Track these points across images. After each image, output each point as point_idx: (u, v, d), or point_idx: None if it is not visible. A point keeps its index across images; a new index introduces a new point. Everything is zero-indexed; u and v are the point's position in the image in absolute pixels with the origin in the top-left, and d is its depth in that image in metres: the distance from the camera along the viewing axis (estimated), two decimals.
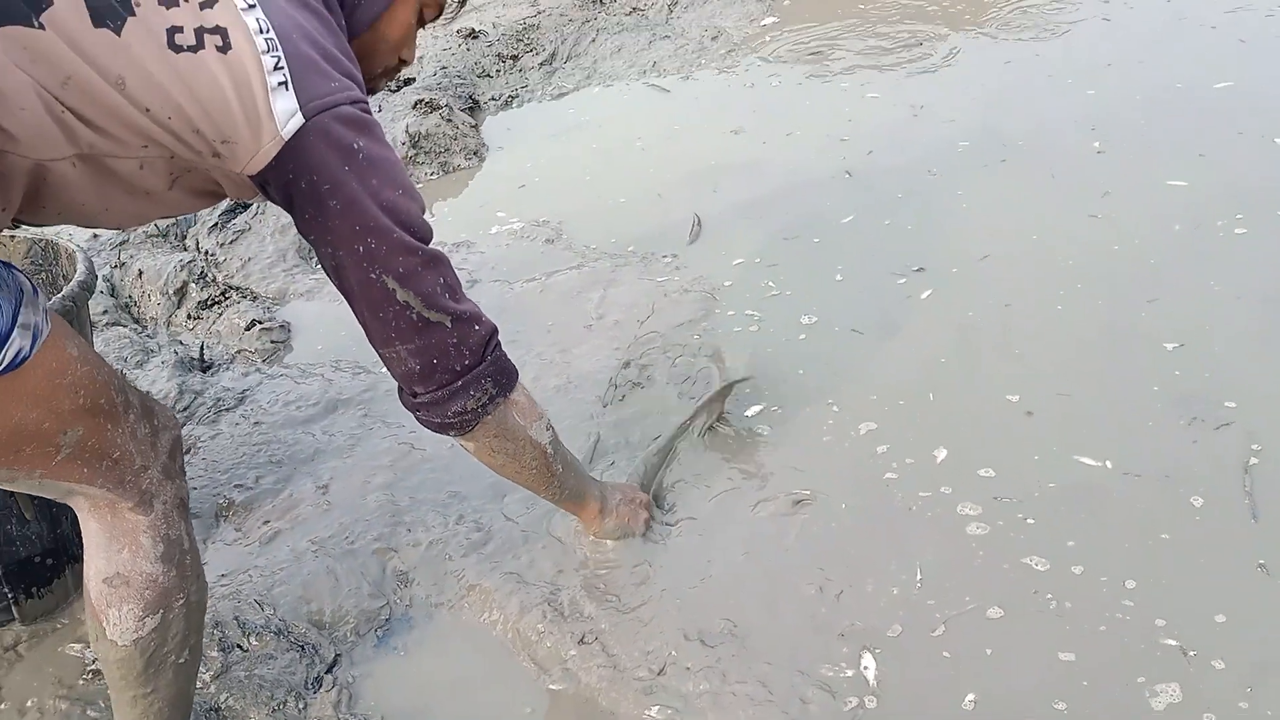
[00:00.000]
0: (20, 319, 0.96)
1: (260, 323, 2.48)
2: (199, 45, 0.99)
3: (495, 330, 1.31)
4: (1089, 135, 2.69)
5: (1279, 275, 2.09)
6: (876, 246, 2.35)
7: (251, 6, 1.03)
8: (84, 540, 1.16)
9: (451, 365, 1.25)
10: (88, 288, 1.52)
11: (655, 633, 1.48)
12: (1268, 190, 2.37)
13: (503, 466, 1.39)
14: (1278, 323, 1.95)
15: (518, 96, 3.66)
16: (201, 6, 1.01)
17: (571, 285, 2.44)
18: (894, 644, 1.44)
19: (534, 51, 3.93)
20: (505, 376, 1.32)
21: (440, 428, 1.31)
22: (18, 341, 0.96)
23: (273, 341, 2.43)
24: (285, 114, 1.03)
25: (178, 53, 0.98)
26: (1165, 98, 2.85)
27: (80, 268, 1.55)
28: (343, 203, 1.09)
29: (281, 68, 1.02)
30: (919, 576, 1.53)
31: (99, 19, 0.95)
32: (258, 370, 2.31)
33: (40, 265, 1.72)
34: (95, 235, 3.00)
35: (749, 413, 1.91)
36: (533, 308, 2.38)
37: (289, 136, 1.04)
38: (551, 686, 1.44)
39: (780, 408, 1.90)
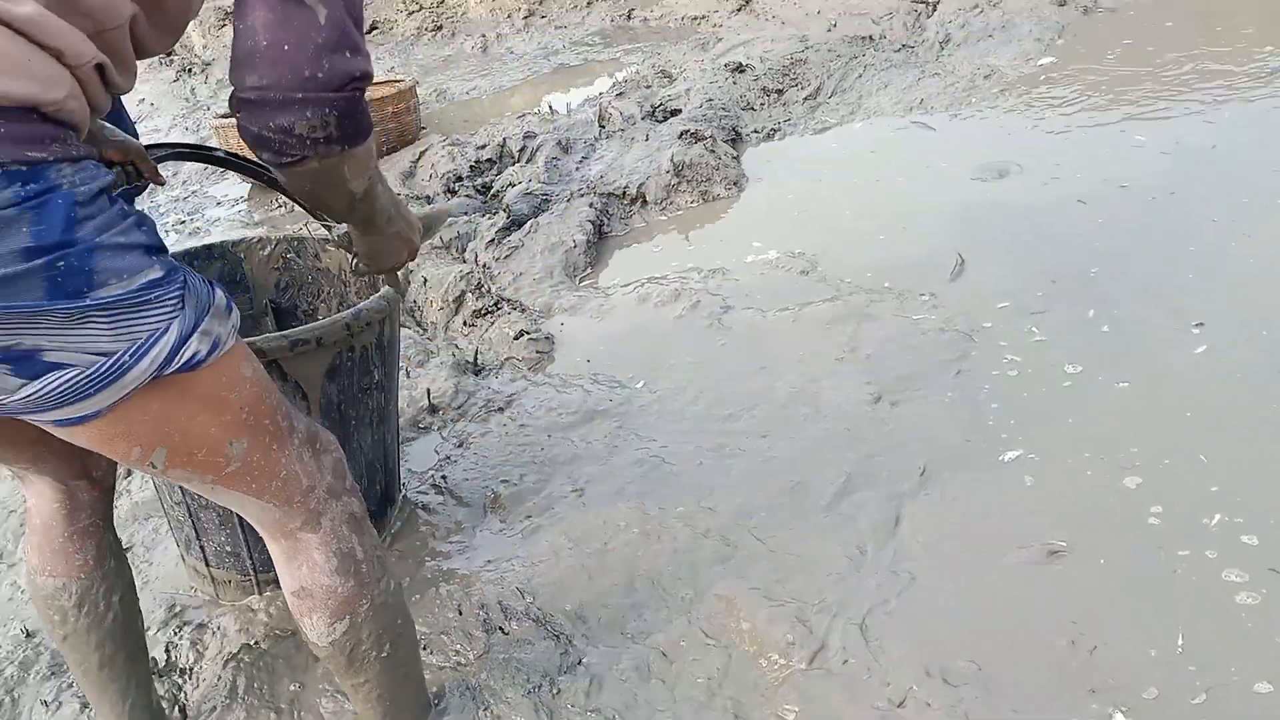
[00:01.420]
0: (203, 326, 1.05)
1: (527, 333, 2.65)
2: None
3: (368, 74, 1.09)
4: None
5: None
6: (1149, 297, 2.23)
7: None
8: (273, 558, 1.27)
9: (300, 69, 1.04)
10: (401, 291, 1.70)
11: (897, 664, 1.48)
12: None
13: (301, 193, 1.20)
14: None
15: (780, 129, 3.73)
16: None
17: (824, 317, 2.46)
18: (1149, 706, 1.37)
19: (799, 86, 3.99)
20: (354, 125, 1.10)
21: (256, 141, 1.09)
22: (195, 344, 1.05)
23: (538, 352, 2.60)
24: None
25: None
26: None
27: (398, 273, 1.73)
28: None
29: None
30: (1180, 641, 1.45)
31: None
32: (524, 377, 2.48)
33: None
34: None
35: (1006, 458, 1.86)
36: (785, 337, 2.42)
37: None
38: (787, 706, 1.47)
39: (1039, 456, 1.84)
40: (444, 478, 2.07)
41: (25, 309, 0.93)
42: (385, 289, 1.67)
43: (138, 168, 1.53)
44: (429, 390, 2.39)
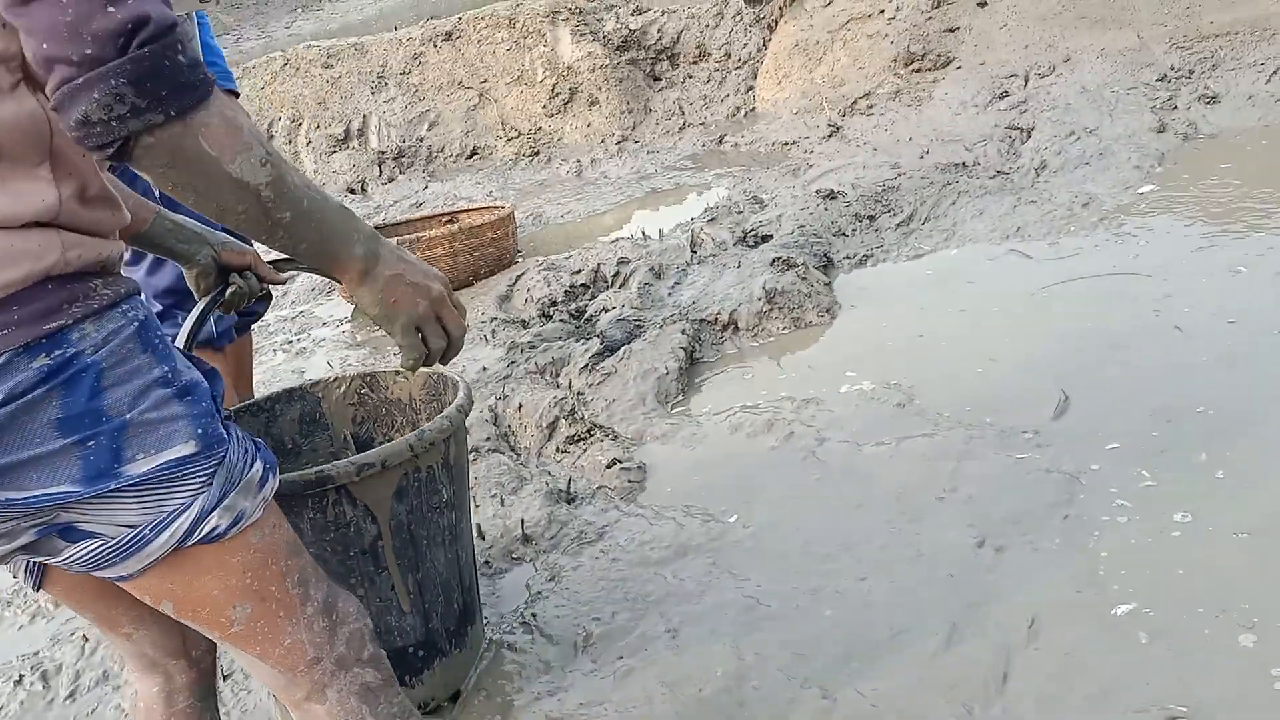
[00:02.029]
0: (227, 502, 1.06)
1: (620, 462, 2.66)
2: None
3: (144, 20, 0.93)
4: None
5: None
6: (1266, 441, 2.13)
7: None
8: None
9: (65, 51, 0.92)
10: (464, 411, 1.75)
11: None
12: None
13: (195, 204, 1.04)
14: None
15: (872, 256, 3.73)
16: None
17: (922, 452, 2.41)
18: None
19: (891, 212, 4.01)
20: (164, 85, 0.94)
21: (78, 138, 0.96)
22: (215, 519, 1.05)
23: (630, 481, 2.60)
24: None
25: None
26: None
27: (460, 394, 1.78)
28: None
29: None
30: None
31: None
32: (616, 507, 2.47)
33: (433, 394, 1.98)
34: (484, 369, 3.38)
35: (1119, 611, 1.78)
36: (882, 473, 2.38)
37: None
38: None
39: (1154, 611, 1.75)
40: (534, 615, 2.06)
41: (59, 498, 0.96)
42: (450, 409, 1.70)
43: (257, 273, 1.58)
44: (523, 520, 2.40)
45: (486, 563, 2.31)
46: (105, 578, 1.08)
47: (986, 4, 5.25)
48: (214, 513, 1.05)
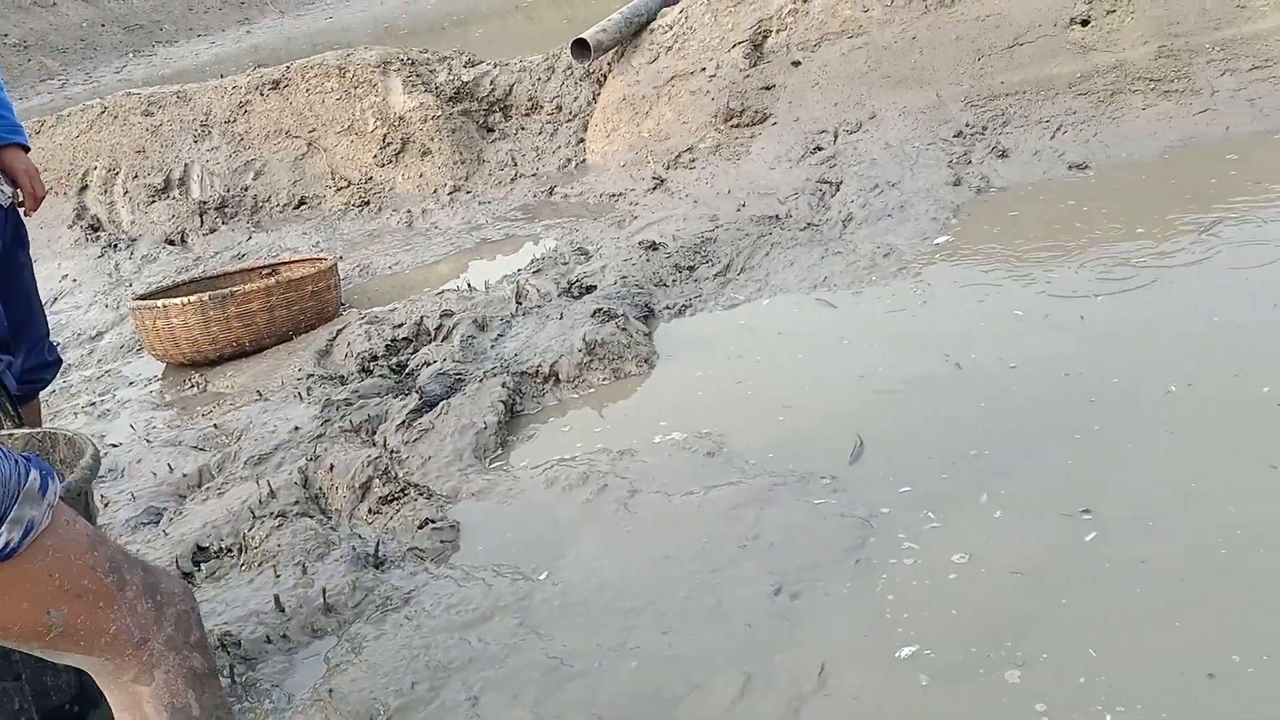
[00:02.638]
0: (12, 515, 1.06)
1: (433, 521, 2.61)
2: None
3: None
4: None
5: None
6: (1040, 482, 2.27)
7: None
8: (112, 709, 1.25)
9: None
10: (87, 480, 1.64)
11: None
12: None
13: None
14: None
15: (691, 305, 3.82)
16: None
17: (728, 501, 2.46)
18: None
19: (710, 263, 4.12)
20: None
21: None
22: (5, 534, 1.05)
23: (442, 541, 2.55)
24: None
25: None
26: None
27: (86, 456, 1.68)
28: None
29: None
30: None
31: None
32: (426, 570, 2.42)
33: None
34: (296, 428, 3.28)
35: (902, 654, 1.85)
36: (690, 523, 2.41)
37: None
38: None
39: (934, 652, 1.83)
40: (330, 690, 1.99)
41: None
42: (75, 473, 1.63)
43: None
44: (324, 589, 2.32)
45: (284, 636, 2.22)
46: None
47: (800, 63, 5.49)
48: (1, 530, 1.05)
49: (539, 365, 3.42)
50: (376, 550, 2.51)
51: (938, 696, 1.74)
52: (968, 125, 4.79)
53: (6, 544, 1.05)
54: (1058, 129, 4.62)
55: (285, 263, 4.89)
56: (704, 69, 5.70)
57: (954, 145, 4.63)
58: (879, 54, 5.28)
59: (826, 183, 4.57)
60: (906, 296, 3.38)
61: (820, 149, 4.98)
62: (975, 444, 2.47)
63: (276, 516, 2.71)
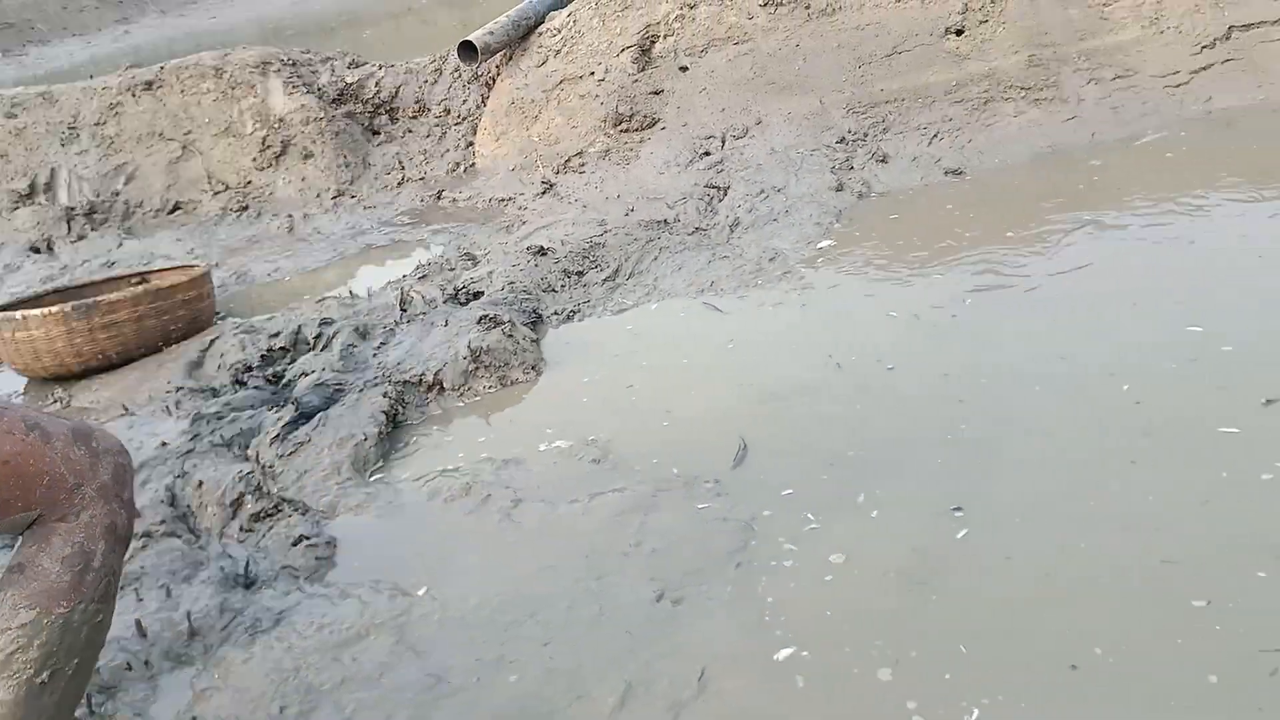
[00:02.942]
0: None
1: (307, 538, 2.52)
2: None
3: None
4: (1154, 371, 2.63)
5: None
6: (915, 481, 2.31)
7: None
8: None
9: None
10: None
11: None
12: None
13: None
14: None
15: (579, 311, 3.79)
16: None
17: (613, 509, 2.44)
18: None
19: (599, 268, 4.09)
20: None
21: None
22: None
23: (318, 558, 2.47)
24: None
25: None
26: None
27: None
28: None
29: None
30: None
31: None
32: (299, 589, 2.33)
33: None
34: (164, 444, 3.14)
35: (780, 656, 1.85)
36: (574, 532, 2.38)
37: None
38: None
39: (810, 653, 1.84)
40: (194, 718, 1.90)
41: None
42: None
43: None
44: (189, 612, 2.22)
45: (146, 663, 2.11)
46: None
47: (688, 69, 5.52)
48: None
49: (423, 374, 3.34)
50: (247, 570, 2.41)
51: (813, 698, 1.74)
52: (850, 131, 4.88)
53: None
54: (935, 135, 4.75)
55: (156, 270, 4.68)
56: (593, 73, 5.68)
57: (837, 151, 4.71)
58: (764, 61, 5.34)
59: (714, 187, 4.59)
60: (791, 299, 3.42)
61: (708, 154, 5.01)
62: (854, 444, 2.50)
63: (141, 537, 2.57)
